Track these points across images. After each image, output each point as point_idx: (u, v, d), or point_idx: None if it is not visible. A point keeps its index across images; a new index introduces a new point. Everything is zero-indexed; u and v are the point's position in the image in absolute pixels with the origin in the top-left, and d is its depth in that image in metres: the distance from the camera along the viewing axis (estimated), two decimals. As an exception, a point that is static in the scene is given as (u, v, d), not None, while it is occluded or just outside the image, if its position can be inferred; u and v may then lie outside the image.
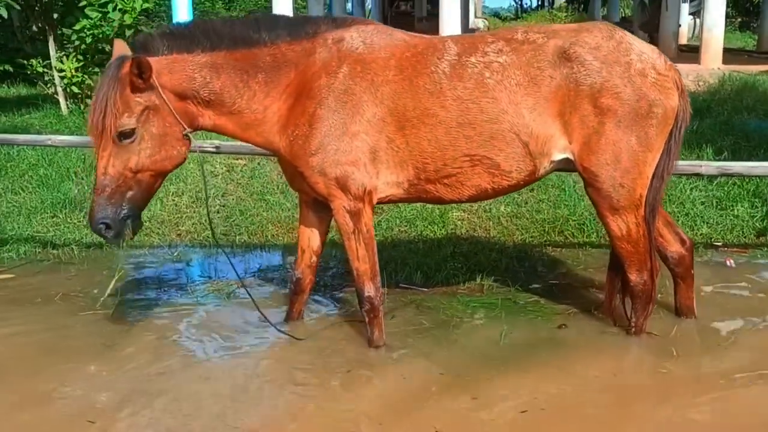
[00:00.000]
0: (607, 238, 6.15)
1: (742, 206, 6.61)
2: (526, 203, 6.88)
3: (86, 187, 7.47)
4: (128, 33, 9.24)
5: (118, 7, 9.03)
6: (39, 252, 6.33)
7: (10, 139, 6.00)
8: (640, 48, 4.39)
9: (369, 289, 4.51)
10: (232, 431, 3.69)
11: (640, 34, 19.33)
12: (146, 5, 9.18)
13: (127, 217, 4.21)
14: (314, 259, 4.84)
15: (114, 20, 9.11)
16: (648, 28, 19.75)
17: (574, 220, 6.51)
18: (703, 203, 6.77)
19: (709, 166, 5.34)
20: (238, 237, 6.58)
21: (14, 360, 4.48)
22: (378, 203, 4.57)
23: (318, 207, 4.71)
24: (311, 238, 4.82)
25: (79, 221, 6.86)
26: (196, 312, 5.11)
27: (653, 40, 16.77)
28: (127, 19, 9.04)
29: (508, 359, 4.30)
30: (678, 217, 6.41)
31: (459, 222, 6.67)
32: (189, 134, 4.26)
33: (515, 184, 4.49)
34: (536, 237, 6.38)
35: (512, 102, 4.27)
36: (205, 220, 6.72)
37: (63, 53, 10.42)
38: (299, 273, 4.84)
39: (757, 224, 6.37)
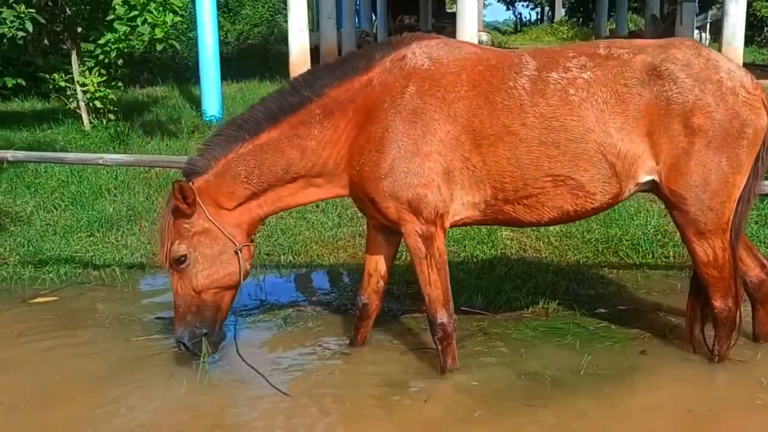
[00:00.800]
0: (665, 260, 6.12)
1: (798, 226, 6.47)
2: (575, 222, 6.69)
3: (121, 205, 7.29)
4: (159, 47, 9.09)
5: (147, 21, 8.85)
6: (79, 273, 6.12)
7: (60, 158, 5.81)
8: (728, 66, 4.24)
9: (442, 316, 4.31)
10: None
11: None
12: (177, 19, 9.01)
13: (203, 334, 4.28)
14: (381, 283, 4.66)
15: (144, 34, 8.93)
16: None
17: (628, 240, 6.35)
18: (756, 222, 6.62)
19: (782, 187, 5.16)
20: (282, 257, 6.39)
21: (73, 386, 4.30)
22: (452, 226, 4.40)
23: (387, 231, 4.54)
24: (378, 263, 4.65)
25: (117, 241, 6.67)
26: (250, 336, 4.91)
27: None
28: (158, 33, 8.85)
29: (595, 390, 4.12)
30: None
31: (508, 242, 6.51)
32: (239, 251, 4.24)
33: (598, 207, 4.31)
34: (590, 258, 6.21)
35: (599, 121, 4.10)
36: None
37: (85, 67, 10.22)
38: (365, 298, 4.66)
39: (816, 245, 6.22)
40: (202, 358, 4.29)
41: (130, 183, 7.84)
